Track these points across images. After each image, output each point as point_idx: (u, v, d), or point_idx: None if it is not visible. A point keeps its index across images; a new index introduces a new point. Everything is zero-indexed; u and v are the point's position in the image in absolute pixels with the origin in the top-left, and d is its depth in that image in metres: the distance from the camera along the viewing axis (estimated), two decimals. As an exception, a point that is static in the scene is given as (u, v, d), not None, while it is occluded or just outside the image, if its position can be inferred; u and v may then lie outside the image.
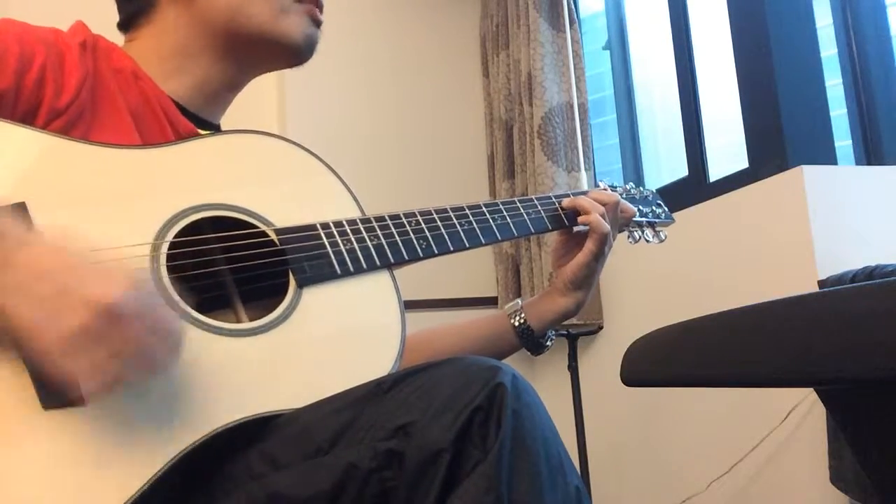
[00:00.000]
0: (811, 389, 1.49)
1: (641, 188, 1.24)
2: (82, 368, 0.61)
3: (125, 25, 0.99)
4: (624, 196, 1.18)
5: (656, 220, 1.22)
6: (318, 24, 0.99)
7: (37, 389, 0.65)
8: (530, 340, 1.07)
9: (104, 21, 0.99)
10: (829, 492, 1.62)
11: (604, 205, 1.07)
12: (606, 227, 1.05)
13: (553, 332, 1.11)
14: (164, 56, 0.94)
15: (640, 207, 1.19)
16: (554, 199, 1.09)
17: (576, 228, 1.09)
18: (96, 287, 0.62)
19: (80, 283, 0.62)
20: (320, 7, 1.00)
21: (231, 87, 1.00)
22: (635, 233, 1.19)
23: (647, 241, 1.20)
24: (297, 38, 0.96)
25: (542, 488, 0.63)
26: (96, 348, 0.61)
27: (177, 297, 0.75)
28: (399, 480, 0.64)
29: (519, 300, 1.10)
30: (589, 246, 1.05)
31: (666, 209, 1.25)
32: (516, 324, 1.06)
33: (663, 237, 1.22)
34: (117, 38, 0.98)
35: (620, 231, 1.15)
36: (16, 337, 0.62)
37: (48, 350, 0.61)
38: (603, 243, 1.04)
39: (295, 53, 0.98)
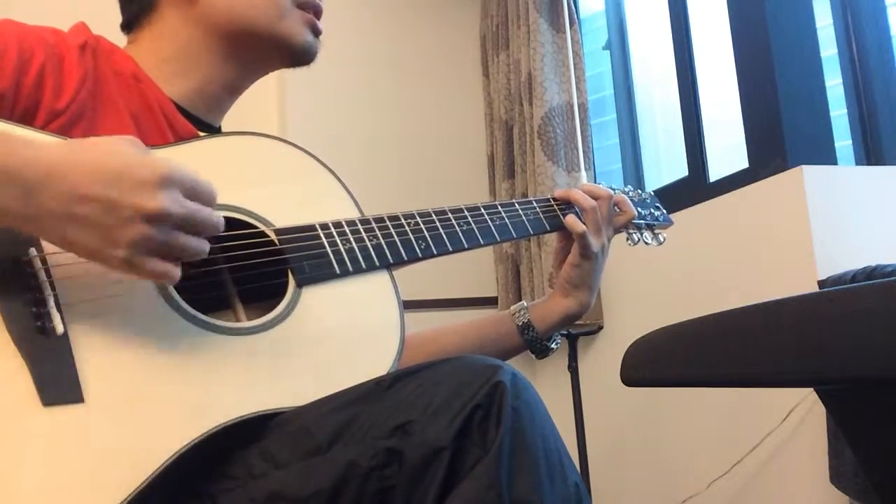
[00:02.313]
0: (811, 389, 1.49)
1: (640, 191, 1.24)
2: (154, 269, 0.67)
3: (127, 27, 0.99)
4: None
5: (655, 223, 1.22)
6: (316, 33, 0.99)
7: (37, 386, 0.65)
8: (535, 342, 1.07)
9: (106, 22, 0.99)
10: (829, 492, 1.62)
11: (596, 198, 1.08)
12: (581, 226, 1.05)
13: (558, 336, 1.11)
14: (165, 58, 0.94)
15: (639, 210, 1.19)
16: (552, 201, 1.09)
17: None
18: (137, 197, 0.65)
19: (121, 196, 0.64)
20: (318, 14, 1.00)
21: (232, 89, 1.00)
22: (634, 235, 1.19)
23: (646, 243, 1.20)
24: (297, 41, 0.97)
25: (542, 486, 0.64)
26: (158, 248, 0.66)
27: (177, 297, 0.75)
28: (399, 479, 0.64)
29: (524, 302, 1.10)
30: (574, 245, 1.05)
31: (664, 211, 1.25)
32: (520, 324, 1.07)
33: (662, 239, 1.22)
34: (120, 39, 0.98)
35: (619, 233, 1.15)
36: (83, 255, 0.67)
37: (119, 266, 0.66)
38: (584, 242, 1.05)
39: (294, 55, 0.98)
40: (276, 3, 0.95)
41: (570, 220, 1.06)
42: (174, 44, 0.95)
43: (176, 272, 0.68)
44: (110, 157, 0.66)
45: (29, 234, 0.69)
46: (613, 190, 1.18)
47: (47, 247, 0.70)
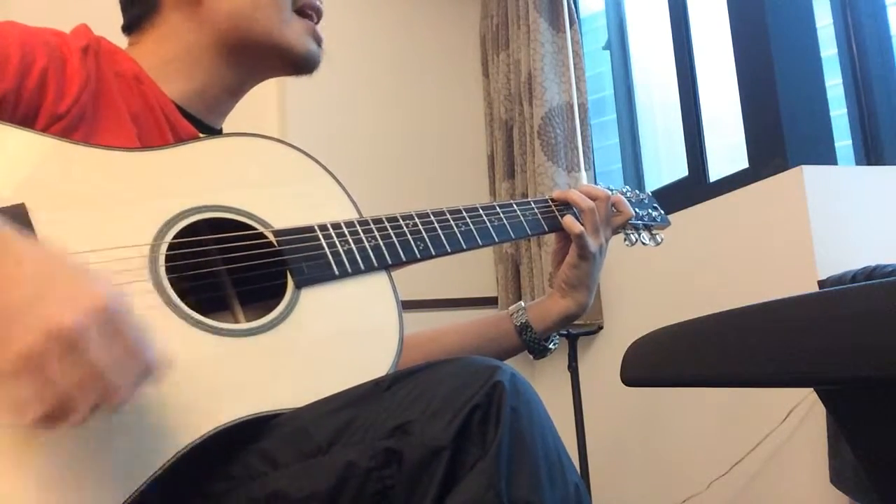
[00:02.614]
0: (811, 389, 1.49)
1: (637, 191, 1.25)
2: (24, 394, 0.55)
3: (129, 29, 0.99)
4: None
5: (653, 223, 1.23)
6: (318, 42, 0.99)
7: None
8: (533, 342, 1.07)
9: (108, 23, 0.99)
10: (829, 492, 1.62)
11: (594, 199, 1.08)
12: (579, 227, 1.05)
13: (557, 336, 1.11)
14: (168, 60, 0.94)
15: (637, 210, 1.19)
16: (550, 202, 1.09)
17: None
18: (56, 307, 0.56)
19: (41, 301, 0.56)
20: (318, 17, 1.00)
21: (233, 92, 1.00)
22: (632, 235, 1.19)
23: (644, 243, 1.20)
24: (300, 48, 0.97)
25: (542, 486, 0.64)
26: (43, 374, 0.55)
27: (175, 298, 0.75)
28: (398, 479, 0.64)
29: (522, 302, 1.10)
30: (573, 246, 1.05)
31: (662, 212, 1.26)
32: (518, 324, 1.07)
33: (660, 240, 1.22)
34: (121, 39, 0.98)
35: (617, 233, 1.16)
36: None
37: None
38: (582, 243, 1.05)
39: (296, 62, 0.98)
40: (278, 11, 0.95)
41: (568, 220, 1.06)
42: (176, 46, 0.95)
43: (35, 415, 0.55)
44: (58, 262, 0.60)
45: None
46: (611, 190, 1.18)
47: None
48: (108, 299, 0.57)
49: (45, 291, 0.57)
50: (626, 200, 1.15)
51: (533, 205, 1.08)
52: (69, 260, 0.61)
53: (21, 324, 0.55)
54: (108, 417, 0.66)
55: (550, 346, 1.10)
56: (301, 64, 0.99)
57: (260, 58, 0.97)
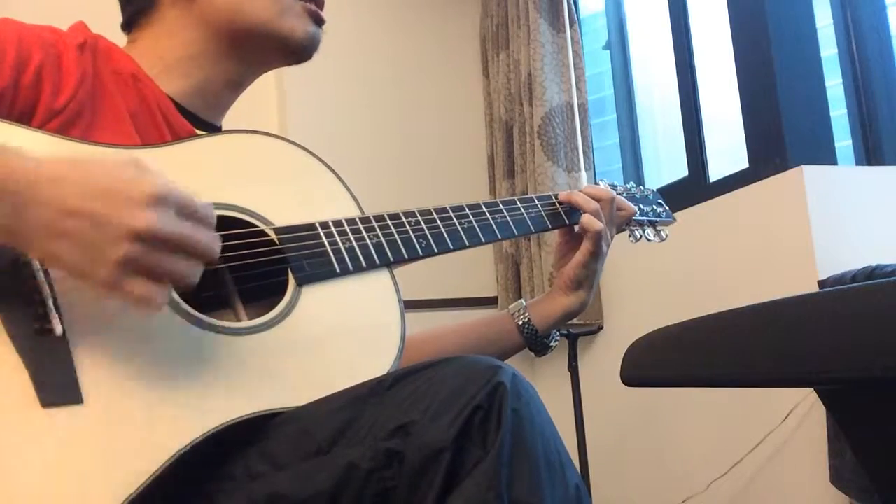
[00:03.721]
0: (811, 389, 1.49)
1: (642, 187, 1.24)
2: (140, 292, 0.63)
3: (127, 26, 0.99)
4: (624, 195, 1.18)
5: (657, 220, 1.22)
6: (319, 22, 0.99)
7: (35, 387, 0.65)
8: (535, 340, 1.07)
9: (106, 21, 0.99)
10: (829, 492, 1.62)
11: (598, 200, 1.07)
12: (599, 225, 1.05)
13: (557, 333, 1.11)
14: (165, 57, 0.94)
15: (641, 206, 1.19)
16: (554, 199, 1.09)
17: (577, 228, 1.09)
18: (127, 214, 0.62)
19: (110, 212, 0.62)
20: (321, 5, 0.99)
21: (232, 87, 1.00)
22: (636, 232, 1.19)
23: (649, 239, 1.20)
24: (299, 36, 0.96)
25: (543, 486, 0.64)
26: (147, 270, 0.63)
27: (176, 296, 0.75)
28: (399, 480, 0.64)
29: (522, 301, 1.10)
30: (585, 245, 1.05)
31: (667, 208, 1.25)
32: (520, 323, 1.07)
33: (664, 236, 1.22)
34: (119, 38, 0.98)
35: (621, 230, 1.15)
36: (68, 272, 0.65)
37: (103, 285, 0.63)
38: (598, 241, 1.05)
39: (296, 51, 0.98)
40: (276, 0, 0.95)
41: (587, 219, 1.05)
42: (174, 43, 0.95)
43: (161, 297, 0.65)
44: (103, 171, 0.65)
45: (15, 248, 0.66)
46: (615, 187, 1.17)
47: None
48: (158, 186, 0.64)
49: (108, 202, 0.63)
50: (625, 199, 1.15)
51: (537, 201, 1.07)
52: (104, 157, 0.66)
53: (102, 238, 0.62)
54: (106, 415, 0.66)
55: (552, 343, 1.10)
56: (299, 51, 0.98)
57: (258, 49, 0.97)
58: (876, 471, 0.86)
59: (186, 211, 0.66)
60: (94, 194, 0.63)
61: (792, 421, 1.77)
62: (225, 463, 0.71)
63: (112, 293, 0.64)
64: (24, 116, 0.79)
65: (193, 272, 0.66)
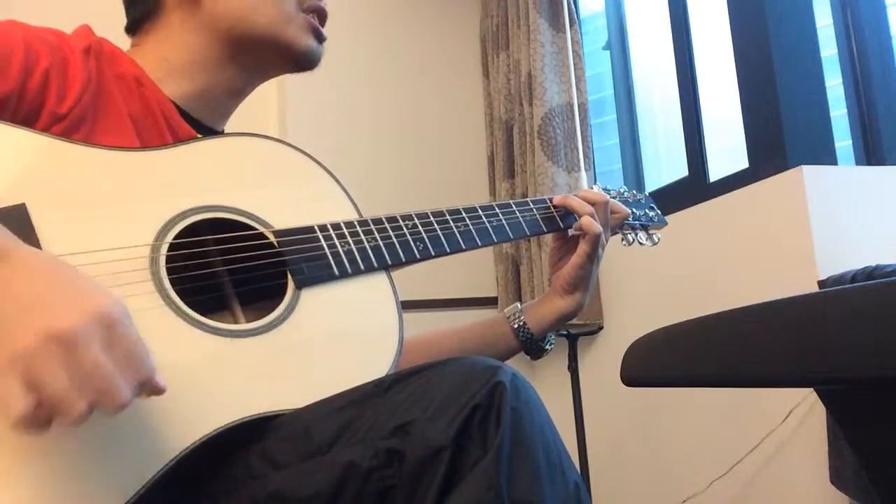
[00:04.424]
0: (811, 389, 1.49)
1: (634, 191, 1.25)
2: (14, 392, 0.55)
3: (132, 30, 0.99)
4: (617, 199, 1.19)
5: (650, 223, 1.23)
6: (320, 39, 0.99)
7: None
8: (530, 343, 1.07)
9: (110, 24, 0.99)
10: (829, 492, 1.62)
11: (593, 204, 1.08)
12: (598, 227, 1.05)
13: (553, 336, 1.11)
14: (169, 61, 0.94)
15: (634, 210, 1.20)
16: (548, 202, 1.09)
17: (570, 232, 1.09)
18: (59, 311, 0.57)
19: (43, 306, 0.57)
20: (323, 20, 1.00)
21: (235, 93, 1.00)
22: (629, 235, 1.20)
23: (641, 243, 1.21)
24: (301, 46, 0.97)
25: (542, 485, 0.64)
26: (34, 374, 0.55)
27: (176, 299, 0.75)
28: (399, 479, 0.64)
29: (518, 304, 1.10)
30: (582, 247, 1.05)
31: (659, 212, 1.26)
32: (516, 326, 1.07)
33: (656, 240, 1.23)
34: (123, 41, 0.98)
35: (614, 234, 1.16)
36: None
37: None
38: (595, 244, 1.05)
39: (298, 60, 0.98)
40: (280, 9, 0.95)
41: (587, 221, 1.05)
42: (178, 47, 0.95)
43: (23, 412, 0.55)
44: (69, 270, 0.61)
45: None
46: (608, 191, 1.18)
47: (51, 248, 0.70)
48: (110, 307, 0.58)
49: (45, 297, 0.58)
50: (619, 202, 1.16)
51: (532, 205, 1.08)
52: (73, 267, 0.62)
53: (21, 324, 0.56)
54: (107, 419, 0.66)
55: (547, 346, 1.10)
56: (301, 61, 0.99)
57: (261, 56, 0.97)
58: (876, 471, 0.86)
59: (125, 347, 0.59)
60: (43, 287, 0.59)
61: (792, 421, 1.77)
62: (225, 463, 0.71)
63: None
64: (29, 119, 0.79)
65: (77, 410, 0.56)
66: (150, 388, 0.61)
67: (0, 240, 0.62)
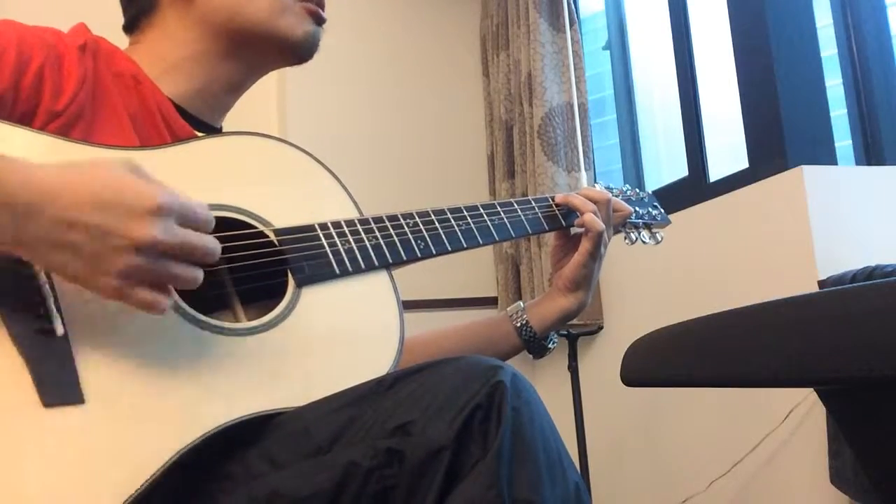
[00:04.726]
0: (811, 389, 1.49)
1: (637, 190, 1.25)
2: (142, 299, 0.66)
3: (129, 28, 0.99)
4: (620, 198, 1.19)
5: (652, 222, 1.23)
6: (319, 21, 0.99)
7: (37, 387, 0.65)
8: (533, 342, 1.07)
9: (108, 23, 0.99)
10: (829, 492, 1.62)
11: (595, 202, 1.08)
12: (601, 225, 1.05)
13: (555, 335, 1.11)
14: (167, 58, 0.94)
15: (637, 209, 1.20)
16: (550, 201, 1.09)
17: (573, 230, 1.09)
18: (128, 226, 0.63)
19: (110, 224, 0.63)
20: (321, 4, 0.99)
21: (233, 88, 1.00)
22: (632, 234, 1.20)
23: (644, 242, 1.21)
24: (298, 36, 0.96)
25: (543, 485, 0.64)
26: (149, 279, 0.65)
27: (177, 297, 0.75)
28: (400, 479, 0.65)
29: (521, 302, 1.10)
30: (585, 245, 1.05)
31: (662, 211, 1.26)
32: (518, 325, 1.07)
33: (660, 238, 1.22)
34: (121, 40, 0.98)
35: (617, 232, 1.16)
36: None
37: (108, 295, 0.65)
38: (598, 242, 1.05)
39: (295, 51, 0.98)
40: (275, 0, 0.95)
41: (590, 218, 1.05)
42: (174, 45, 0.95)
43: (165, 302, 0.67)
44: (103, 181, 0.65)
45: (19, 257, 0.67)
46: (611, 189, 1.18)
47: None
48: (159, 196, 0.65)
49: (109, 213, 0.64)
50: (621, 200, 1.16)
51: (534, 203, 1.08)
52: (104, 166, 0.67)
53: (105, 249, 0.63)
54: (107, 416, 0.66)
55: (549, 345, 1.10)
56: (299, 50, 0.98)
57: (257, 49, 0.97)
58: (876, 471, 0.86)
59: (186, 218, 0.67)
60: (94, 205, 0.64)
61: (792, 421, 1.77)
62: (225, 462, 0.71)
63: (118, 300, 0.66)
64: (25, 118, 0.79)
65: (195, 277, 0.68)
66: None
67: (27, 173, 0.65)
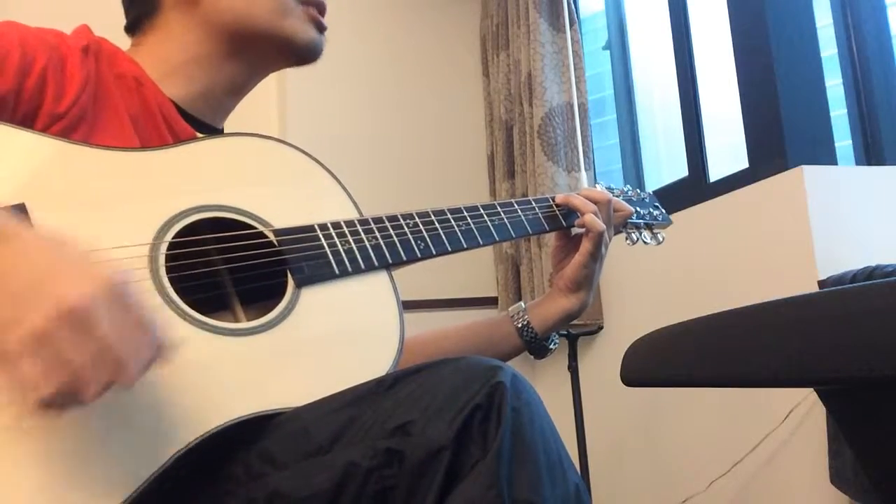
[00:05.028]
0: (811, 389, 1.49)
1: (639, 190, 1.25)
2: (34, 372, 0.55)
3: (131, 29, 0.99)
4: (621, 198, 1.18)
5: (654, 222, 1.23)
6: (321, 29, 0.99)
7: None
8: (534, 343, 1.07)
9: (110, 24, 0.99)
10: (829, 492, 1.62)
11: (596, 202, 1.08)
12: (601, 225, 1.05)
13: (556, 336, 1.11)
14: (169, 60, 0.94)
15: (638, 209, 1.20)
16: (551, 201, 1.09)
17: (573, 230, 1.09)
18: (64, 286, 0.56)
19: (52, 281, 0.57)
20: (322, 11, 1.00)
21: (236, 90, 1.00)
22: (633, 234, 1.20)
23: (645, 242, 1.21)
24: (301, 39, 0.96)
25: (542, 485, 0.64)
26: (54, 352, 0.55)
27: (176, 298, 0.75)
28: (399, 479, 0.64)
29: (522, 303, 1.10)
30: (586, 245, 1.05)
31: (663, 211, 1.26)
32: (520, 325, 1.06)
33: (661, 239, 1.22)
34: (123, 41, 0.98)
35: (618, 233, 1.16)
36: None
37: (6, 349, 0.55)
38: (599, 242, 1.05)
39: (298, 53, 0.98)
40: (279, 2, 0.95)
41: (591, 218, 1.05)
42: (177, 46, 0.95)
43: (43, 394, 0.55)
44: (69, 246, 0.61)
45: None
46: (612, 190, 1.18)
47: None
48: (113, 278, 0.58)
49: (52, 273, 0.57)
50: (622, 201, 1.16)
51: (534, 204, 1.08)
52: (72, 244, 0.62)
53: (29, 304, 0.55)
54: (106, 415, 0.66)
55: (551, 346, 1.10)
56: (302, 54, 0.98)
57: (261, 51, 0.97)
58: (876, 471, 0.86)
59: (133, 317, 0.59)
60: (48, 262, 0.59)
61: (792, 421, 1.77)
62: (225, 463, 0.71)
63: (12, 361, 0.55)
64: (27, 120, 0.79)
65: (91, 389, 0.57)
66: (160, 356, 0.61)
67: (1, 223, 0.61)
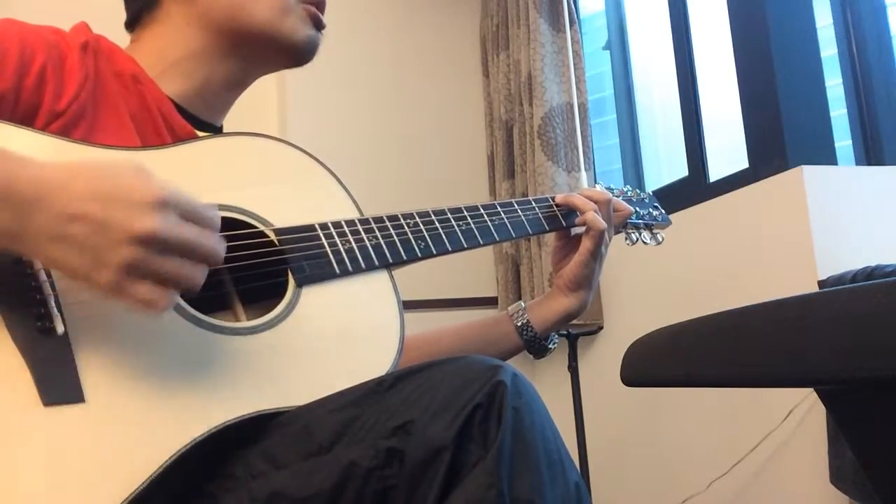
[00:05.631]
0: (811, 389, 1.49)
1: (638, 191, 1.25)
2: (143, 296, 0.64)
3: (131, 24, 0.99)
4: (621, 198, 1.19)
5: (653, 223, 1.23)
6: (319, 27, 0.99)
7: (37, 385, 0.65)
8: (534, 343, 1.07)
9: (108, 21, 0.99)
10: (829, 492, 1.62)
11: (596, 202, 1.08)
12: (602, 223, 1.05)
13: (556, 335, 1.11)
14: (167, 57, 0.94)
15: (637, 209, 1.20)
16: (551, 201, 1.09)
17: (574, 230, 1.09)
18: (129, 218, 0.62)
19: (112, 216, 0.62)
20: (322, 9, 1.00)
21: (233, 87, 1.00)
22: (632, 235, 1.20)
23: (645, 242, 1.21)
24: (299, 38, 0.96)
25: (543, 485, 0.64)
26: (150, 274, 0.64)
27: (177, 297, 0.74)
28: (400, 479, 0.64)
29: (522, 302, 1.10)
30: (586, 244, 1.05)
31: (663, 211, 1.26)
32: (519, 325, 1.07)
33: (660, 239, 1.22)
34: (122, 39, 0.98)
35: (618, 233, 1.16)
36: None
37: (107, 290, 0.64)
38: (600, 241, 1.05)
39: (295, 53, 0.98)
40: (278, 0, 0.95)
41: (592, 216, 1.05)
42: (175, 43, 0.95)
43: (165, 301, 0.65)
44: (106, 176, 0.65)
45: (18, 253, 0.66)
46: (611, 190, 1.18)
47: None
48: (161, 189, 0.64)
49: (111, 207, 0.63)
50: (622, 200, 1.16)
51: (534, 203, 1.08)
52: (107, 163, 0.67)
53: (105, 242, 0.62)
54: (106, 415, 0.66)
55: (550, 345, 1.10)
56: (299, 52, 0.98)
57: (258, 48, 0.97)
58: (876, 471, 0.86)
59: (190, 215, 0.66)
60: (96, 199, 0.63)
61: (792, 421, 1.77)
62: (225, 462, 0.71)
63: (116, 296, 0.64)
64: (27, 118, 0.79)
65: (197, 276, 0.66)
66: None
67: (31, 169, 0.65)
